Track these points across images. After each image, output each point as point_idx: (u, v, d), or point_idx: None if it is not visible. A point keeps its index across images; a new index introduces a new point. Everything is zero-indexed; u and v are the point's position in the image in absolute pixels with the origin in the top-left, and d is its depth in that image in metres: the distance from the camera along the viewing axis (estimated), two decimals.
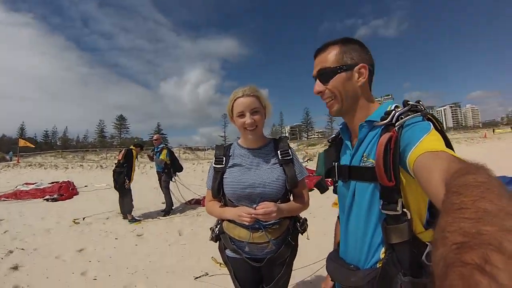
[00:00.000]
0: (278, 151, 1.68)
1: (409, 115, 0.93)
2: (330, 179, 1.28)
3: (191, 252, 4.39)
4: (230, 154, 1.71)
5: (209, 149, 42.16)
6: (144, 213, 7.15)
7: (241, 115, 1.58)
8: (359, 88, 1.07)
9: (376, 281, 0.96)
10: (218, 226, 1.74)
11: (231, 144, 1.79)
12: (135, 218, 6.48)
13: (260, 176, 1.61)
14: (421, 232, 0.93)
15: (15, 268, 3.90)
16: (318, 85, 1.11)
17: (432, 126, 0.88)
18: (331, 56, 1.08)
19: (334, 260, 1.19)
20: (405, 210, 0.92)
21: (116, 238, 5.25)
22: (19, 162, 24.03)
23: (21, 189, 10.96)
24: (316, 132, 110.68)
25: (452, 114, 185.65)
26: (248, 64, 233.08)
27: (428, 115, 0.95)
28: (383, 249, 0.98)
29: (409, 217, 0.91)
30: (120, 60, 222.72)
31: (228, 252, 1.70)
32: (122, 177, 6.48)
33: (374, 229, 1.00)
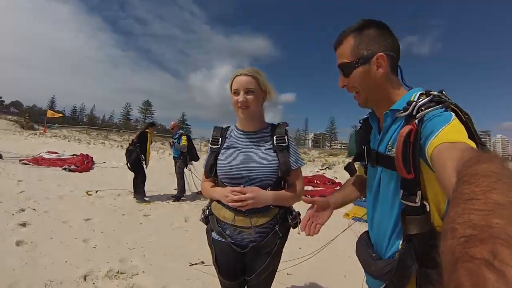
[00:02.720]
0: (274, 137, 1.65)
1: (430, 106, 0.91)
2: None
3: (193, 239, 4.38)
4: (226, 136, 1.71)
5: None
6: (155, 195, 7.24)
7: (236, 92, 1.58)
8: (380, 78, 1.04)
9: (393, 272, 0.97)
10: (209, 208, 1.76)
11: (229, 127, 1.79)
12: (144, 198, 6.57)
13: (251, 159, 1.60)
14: (439, 225, 0.92)
15: (23, 225, 4.04)
16: (341, 79, 1.11)
17: (453, 117, 0.86)
18: (347, 50, 1.06)
19: (363, 243, 1.22)
20: (424, 202, 0.91)
21: (123, 214, 5.34)
22: (45, 132, 25.01)
23: (44, 156, 11.39)
24: (339, 143, 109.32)
25: None
26: (277, 66, 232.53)
27: (452, 106, 0.92)
28: (402, 240, 0.98)
29: (428, 209, 0.91)
30: (152, 46, 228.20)
31: (214, 234, 1.70)
32: (134, 156, 6.60)
33: (397, 217, 1.00)
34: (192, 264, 3.40)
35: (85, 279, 2.78)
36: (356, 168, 1.42)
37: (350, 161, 1.38)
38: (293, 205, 1.72)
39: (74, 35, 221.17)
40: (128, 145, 7.07)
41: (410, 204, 0.92)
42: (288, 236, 1.71)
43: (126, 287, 2.76)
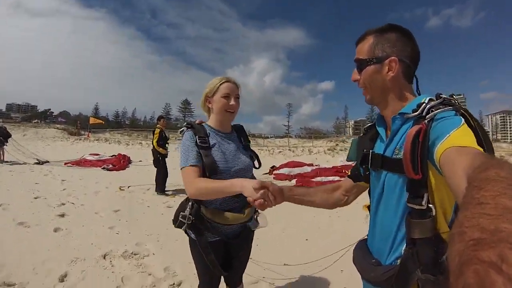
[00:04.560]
0: (242, 138, 1.84)
1: (440, 108, 0.90)
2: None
3: None
4: (208, 134, 1.68)
5: (272, 137, 41.29)
6: (180, 189, 7.72)
7: (227, 96, 1.66)
8: (389, 81, 1.04)
9: (394, 278, 0.96)
10: (193, 215, 1.64)
11: (201, 125, 1.74)
12: (165, 192, 7.17)
13: (239, 158, 1.72)
14: (444, 232, 0.90)
15: (62, 215, 4.80)
16: (354, 73, 1.13)
17: (463, 121, 0.85)
18: (365, 47, 1.08)
19: (360, 250, 1.20)
20: (430, 205, 0.89)
21: (148, 206, 5.95)
22: (89, 137, 27.03)
23: (87, 158, 12.56)
24: None
25: None
26: (314, 55, 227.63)
27: (462, 110, 0.91)
28: (405, 245, 0.96)
29: (434, 213, 0.89)
30: (187, 49, 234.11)
31: (209, 235, 1.68)
32: (155, 155, 7.38)
33: (400, 222, 0.98)
34: None
35: (104, 258, 3.34)
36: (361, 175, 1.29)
37: (353, 167, 1.34)
38: None
39: (111, 47, 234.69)
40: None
41: (416, 207, 0.90)
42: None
43: (136, 265, 3.26)
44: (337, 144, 23.60)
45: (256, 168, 1.84)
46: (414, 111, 0.95)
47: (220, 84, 1.68)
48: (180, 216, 1.66)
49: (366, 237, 1.23)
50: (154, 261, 3.40)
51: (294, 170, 10.89)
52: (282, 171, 10.90)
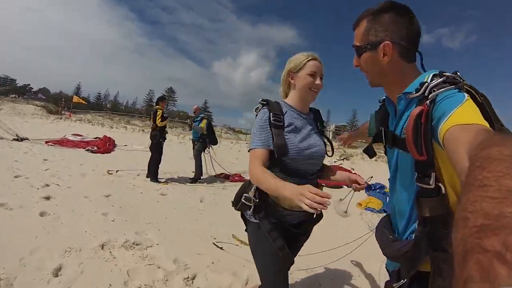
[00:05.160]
0: (318, 122, 1.72)
1: (443, 87, 0.89)
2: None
3: (206, 218, 4.50)
4: (284, 113, 1.57)
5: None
6: (173, 177, 7.43)
7: (312, 75, 1.56)
8: (386, 65, 1.04)
9: (408, 255, 0.98)
10: (257, 197, 1.52)
11: (277, 102, 1.61)
12: (158, 179, 6.73)
13: (316, 145, 1.59)
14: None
15: (47, 198, 4.26)
16: (355, 59, 1.14)
17: (466, 98, 0.83)
18: (359, 33, 1.09)
19: (382, 225, 1.23)
20: (439, 184, 0.90)
21: (141, 192, 5.51)
22: (70, 116, 25.89)
23: (69, 138, 11.82)
24: None
25: None
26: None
27: (466, 87, 0.89)
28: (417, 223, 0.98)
29: (443, 191, 0.90)
30: (178, 35, 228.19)
31: (271, 220, 1.53)
32: (157, 138, 6.87)
33: (414, 200, 1.00)
34: (217, 243, 3.50)
35: (102, 248, 2.92)
36: (375, 151, 1.38)
37: (369, 143, 1.36)
38: None
39: (102, 25, 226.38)
40: (150, 130, 7.29)
41: (424, 186, 0.91)
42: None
43: (140, 256, 2.88)
44: None
45: (328, 156, 1.68)
46: (417, 90, 0.94)
47: (307, 61, 1.56)
48: (243, 197, 1.56)
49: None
50: (159, 252, 3.04)
51: None
52: None
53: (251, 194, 1.53)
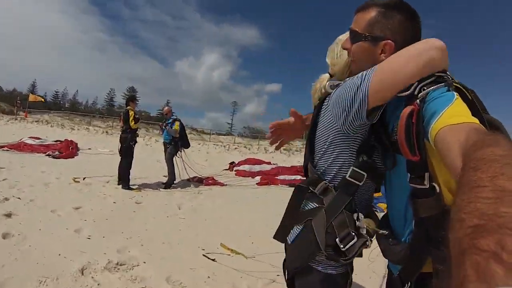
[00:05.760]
0: None
1: (432, 85, 0.86)
2: None
3: (189, 226, 4.27)
4: None
5: (214, 134, 41.03)
6: (144, 183, 7.06)
7: None
8: (380, 62, 0.98)
9: (407, 257, 0.96)
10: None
11: None
12: (130, 186, 6.35)
13: None
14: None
15: (9, 215, 3.77)
16: (347, 42, 1.10)
17: (456, 96, 0.82)
18: (364, 20, 1.03)
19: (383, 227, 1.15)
20: (433, 184, 0.88)
21: (114, 202, 5.13)
22: (26, 117, 24.11)
23: (26, 141, 10.93)
24: None
25: None
26: (266, 57, 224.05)
27: (455, 84, 0.88)
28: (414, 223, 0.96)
29: (437, 190, 0.87)
30: (140, 33, 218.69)
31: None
32: (128, 142, 6.49)
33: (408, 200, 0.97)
34: (207, 253, 3.29)
35: (82, 273, 2.58)
36: None
37: None
38: None
39: (57, 16, 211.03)
40: (120, 132, 6.90)
41: (418, 186, 0.88)
42: None
43: (129, 279, 2.59)
44: (291, 144, 23.83)
45: None
46: (406, 88, 0.90)
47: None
48: (340, 241, 0.99)
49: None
50: (148, 271, 2.78)
51: (254, 167, 11.06)
52: (242, 167, 10.91)
53: (347, 229, 1.01)
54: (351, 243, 0.98)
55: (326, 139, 1.10)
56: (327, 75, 1.28)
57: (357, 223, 1.01)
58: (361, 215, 1.03)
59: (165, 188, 6.84)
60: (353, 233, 0.99)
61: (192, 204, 5.62)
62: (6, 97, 51.75)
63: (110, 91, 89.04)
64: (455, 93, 0.84)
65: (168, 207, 5.26)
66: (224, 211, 5.42)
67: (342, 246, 0.98)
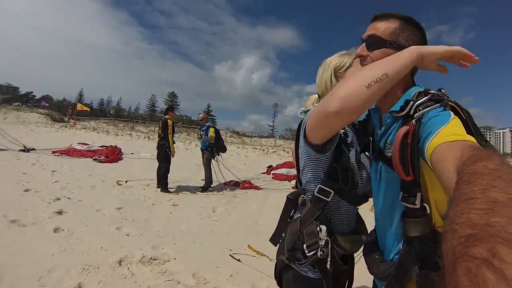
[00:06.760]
0: None
1: (428, 106, 0.88)
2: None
3: (221, 229, 4.43)
4: None
5: (255, 136, 40.30)
6: (182, 185, 7.37)
7: None
8: None
9: (394, 274, 0.96)
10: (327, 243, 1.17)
11: None
12: (168, 189, 6.65)
13: None
14: (440, 226, 0.90)
15: (60, 213, 4.21)
16: (362, 49, 1.06)
17: (452, 116, 0.82)
18: (387, 28, 1.02)
19: (368, 244, 1.19)
20: (424, 204, 0.89)
21: (153, 204, 5.46)
22: (75, 124, 25.96)
23: (75, 147, 11.80)
24: None
25: None
26: (304, 57, 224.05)
27: (450, 103, 0.88)
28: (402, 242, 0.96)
29: (428, 211, 0.89)
30: (178, 39, 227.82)
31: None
32: (164, 149, 6.80)
33: (398, 218, 0.97)
34: (234, 254, 3.44)
35: (120, 264, 2.86)
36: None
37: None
38: None
39: (101, 30, 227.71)
40: (158, 138, 7.25)
41: (409, 206, 0.89)
42: None
43: (159, 272, 2.82)
44: None
45: None
46: (402, 108, 0.92)
47: (354, 59, 1.34)
48: (306, 247, 1.15)
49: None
50: (178, 266, 2.98)
51: (291, 171, 10.75)
52: (280, 171, 10.76)
53: (319, 241, 1.14)
54: (315, 251, 1.14)
55: (302, 158, 1.26)
56: (315, 96, 1.43)
57: (320, 234, 1.15)
58: (323, 227, 1.15)
59: (202, 191, 7.08)
60: (319, 243, 1.14)
61: (226, 208, 5.78)
62: (57, 106, 55.70)
63: (151, 97, 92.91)
64: (451, 113, 0.84)
65: (203, 209, 5.47)
66: (257, 214, 5.52)
67: (307, 251, 1.15)
